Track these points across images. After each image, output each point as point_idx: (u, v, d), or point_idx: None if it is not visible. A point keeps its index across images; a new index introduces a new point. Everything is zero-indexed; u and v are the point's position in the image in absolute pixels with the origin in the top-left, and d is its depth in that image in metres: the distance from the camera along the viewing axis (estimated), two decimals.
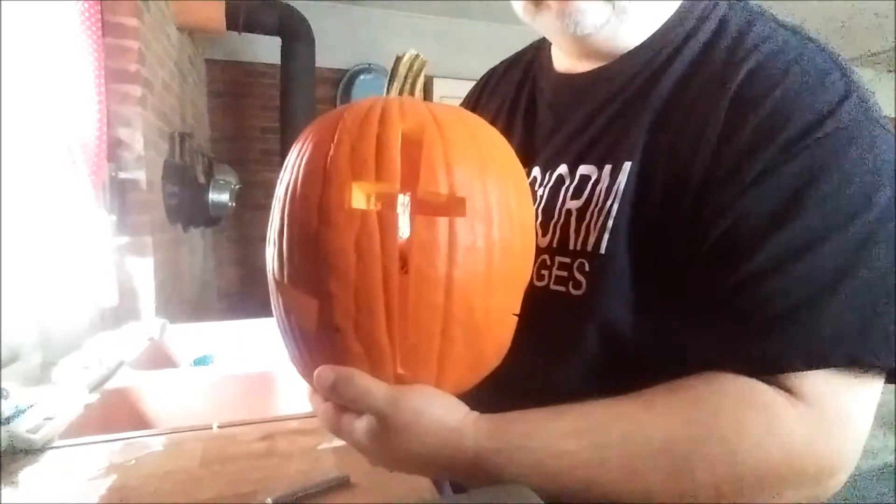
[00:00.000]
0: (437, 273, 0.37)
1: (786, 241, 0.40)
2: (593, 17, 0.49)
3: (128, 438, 0.80)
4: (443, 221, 0.38)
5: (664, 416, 0.40)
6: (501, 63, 0.73)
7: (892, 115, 4.52)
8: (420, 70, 0.47)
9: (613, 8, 0.49)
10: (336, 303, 0.37)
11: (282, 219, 0.40)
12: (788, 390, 0.40)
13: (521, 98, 0.64)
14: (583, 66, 0.57)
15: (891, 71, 4.33)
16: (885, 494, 2.32)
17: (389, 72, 0.47)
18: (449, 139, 0.40)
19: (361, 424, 0.40)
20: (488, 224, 0.39)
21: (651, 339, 0.46)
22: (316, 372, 0.40)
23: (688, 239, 0.44)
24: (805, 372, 0.40)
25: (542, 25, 0.53)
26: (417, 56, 0.46)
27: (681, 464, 0.39)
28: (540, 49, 0.66)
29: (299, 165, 0.40)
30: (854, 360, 0.39)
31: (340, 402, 0.41)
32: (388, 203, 0.39)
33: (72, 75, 1.28)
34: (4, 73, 1.04)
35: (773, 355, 0.40)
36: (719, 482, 0.39)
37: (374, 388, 0.39)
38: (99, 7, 1.42)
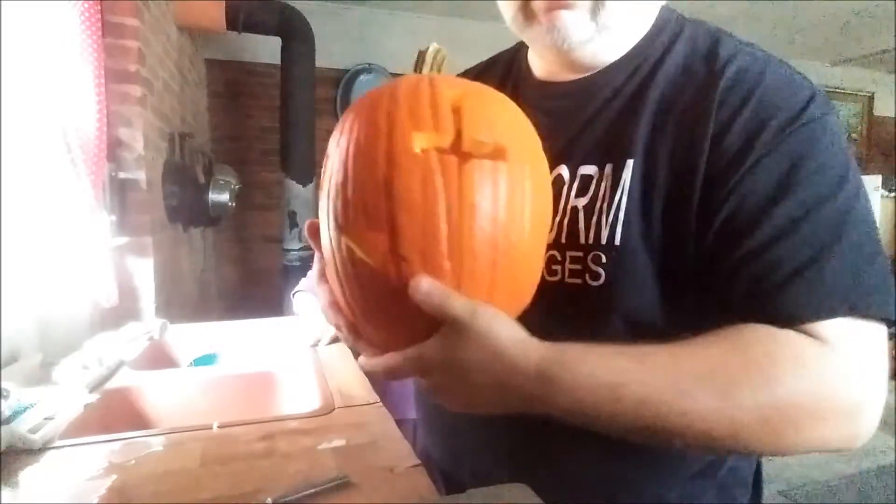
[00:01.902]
0: (487, 207, 0.43)
1: (785, 212, 0.47)
2: (580, 33, 0.54)
3: (128, 438, 0.80)
4: (489, 164, 0.43)
5: (706, 347, 0.46)
6: (476, 66, 0.75)
7: (892, 115, 4.52)
8: (442, 62, 0.52)
9: (597, 25, 0.54)
10: (404, 234, 0.42)
11: (345, 171, 0.45)
12: (810, 335, 0.46)
13: None
14: (565, 76, 0.61)
15: (891, 71, 4.33)
16: (885, 494, 2.32)
17: (415, 63, 0.51)
18: (487, 102, 0.47)
19: (434, 343, 0.43)
20: (525, 170, 0.45)
21: (674, 320, 0.52)
22: (412, 281, 0.42)
23: (699, 223, 0.50)
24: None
25: (532, 38, 0.58)
26: (440, 50, 0.52)
27: (725, 386, 0.43)
28: (516, 57, 0.70)
29: (359, 128, 0.45)
30: (852, 307, 0.46)
31: (427, 309, 0.42)
32: (444, 152, 0.44)
33: (72, 75, 1.28)
34: (4, 73, 1.04)
35: (787, 311, 0.46)
36: (761, 404, 0.43)
37: (454, 296, 0.42)
38: (99, 7, 1.42)
